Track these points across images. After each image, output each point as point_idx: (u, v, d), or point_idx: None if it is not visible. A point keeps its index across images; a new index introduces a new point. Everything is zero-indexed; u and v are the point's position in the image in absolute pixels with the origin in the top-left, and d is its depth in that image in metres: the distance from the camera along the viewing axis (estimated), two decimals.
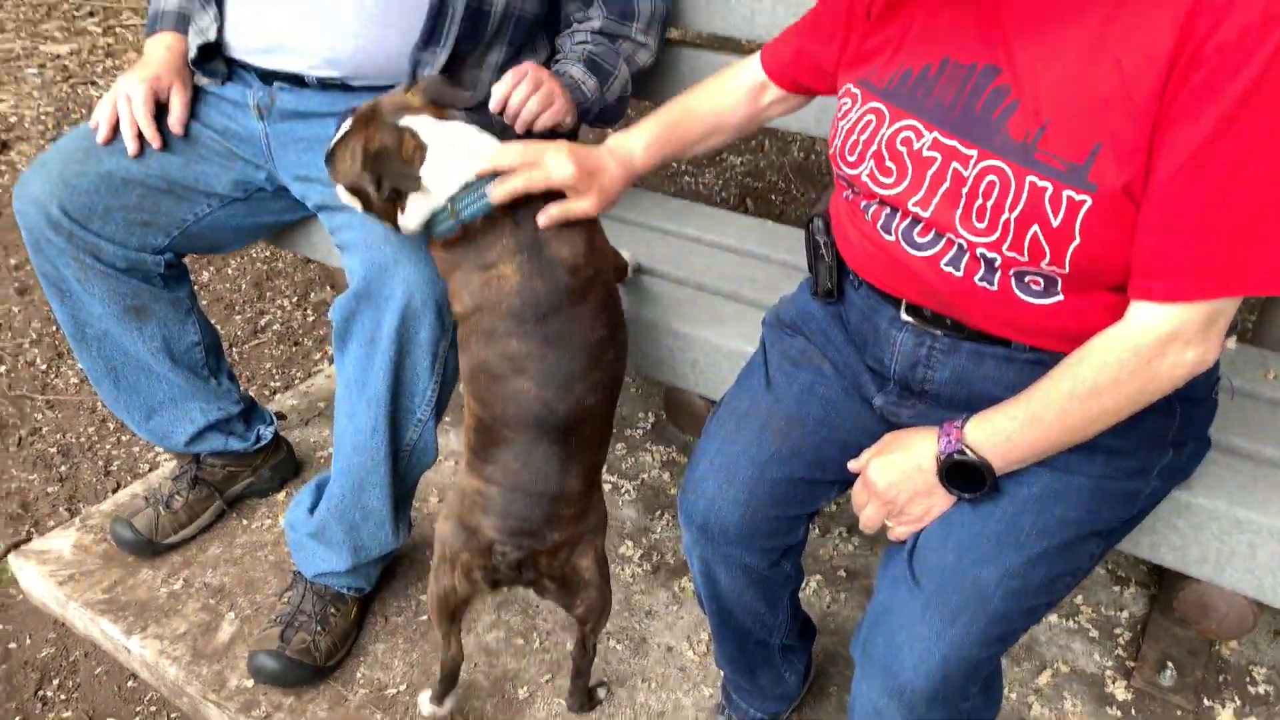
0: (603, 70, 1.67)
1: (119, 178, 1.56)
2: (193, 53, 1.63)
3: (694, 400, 1.57)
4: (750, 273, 1.65)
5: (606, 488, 2.05)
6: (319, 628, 1.62)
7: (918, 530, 1.09)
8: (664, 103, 1.39)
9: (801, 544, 1.30)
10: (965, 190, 0.98)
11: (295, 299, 2.90)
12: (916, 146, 1.03)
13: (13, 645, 1.82)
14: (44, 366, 2.56)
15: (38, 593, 1.87)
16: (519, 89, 1.54)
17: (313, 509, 1.64)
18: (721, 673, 1.60)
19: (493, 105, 1.55)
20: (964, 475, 1.03)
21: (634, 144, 1.33)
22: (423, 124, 1.27)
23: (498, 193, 1.22)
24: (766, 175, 3.83)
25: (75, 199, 1.52)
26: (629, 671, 1.67)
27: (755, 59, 1.35)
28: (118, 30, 4.60)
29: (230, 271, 3.00)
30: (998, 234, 0.96)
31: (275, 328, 2.77)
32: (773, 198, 3.68)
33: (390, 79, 1.62)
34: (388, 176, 1.24)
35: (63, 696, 1.73)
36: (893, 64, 1.09)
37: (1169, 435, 1.08)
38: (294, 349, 2.69)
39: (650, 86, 1.94)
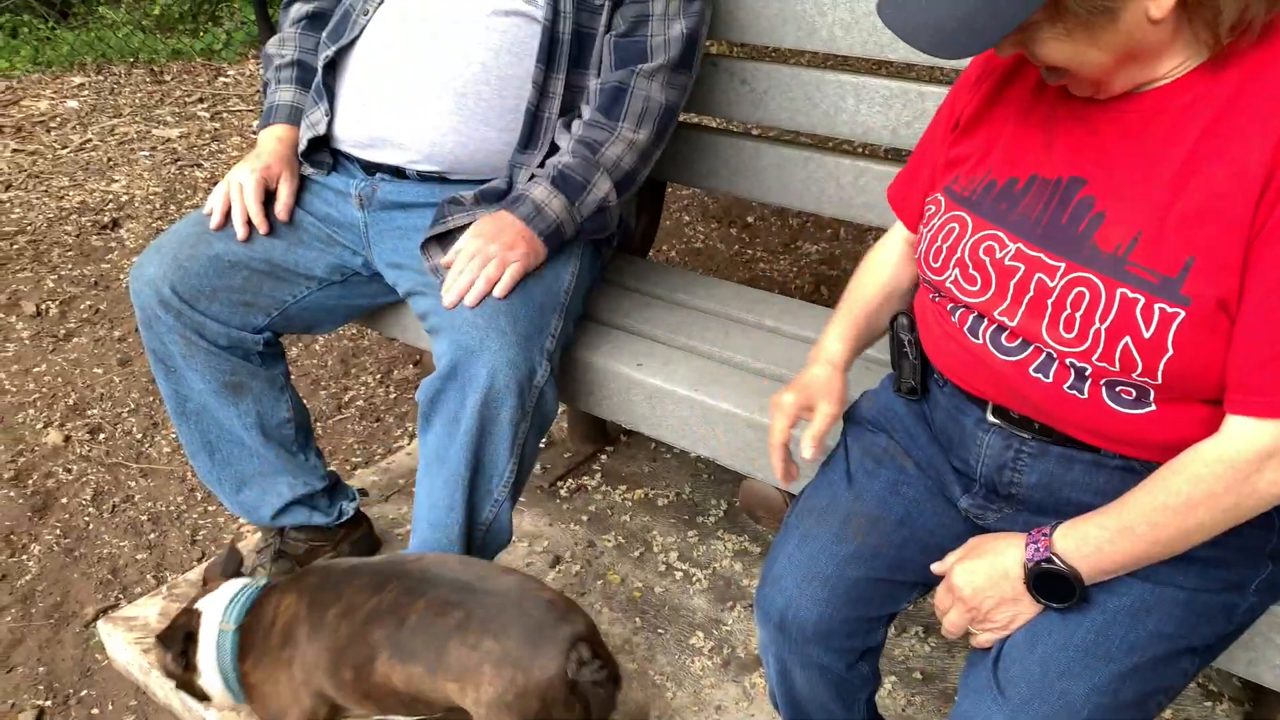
0: (573, 186, 1.63)
1: (226, 261, 1.64)
2: (303, 145, 1.73)
3: (771, 493, 1.57)
4: None
5: (678, 575, 2.04)
6: None
7: (1002, 637, 1.07)
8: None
9: (880, 646, 1.28)
10: (1051, 301, 0.98)
11: (379, 376, 2.98)
12: (999, 256, 1.05)
13: (95, 710, 1.87)
14: (139, 436, 2.67)
15: (122, 659, 1.92)
16: (460, 277, 1.54)
17: None
18: None
19: (445, 298, 1.56)
20: (1052, 584, 1.01)
21: (832, 345, 1.31)
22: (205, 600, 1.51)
23: (807, 449, 1.23)
24: (841, 263, 3.85)
25: (186, 280, 1.61)
26: None
27: (894, 229, 1.37)
28: (224, 116, 4.87)
29: (317, 348, 3.10)
30: (1087, 344, 0.96)
31: (359, 404, 2.85)
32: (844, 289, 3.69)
33: (488, 173, 1.69)
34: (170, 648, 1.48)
35: None
36: (977, 173, 1.11)
37: (1268, 549, 1.05)
38: (375, 425, 2.76)
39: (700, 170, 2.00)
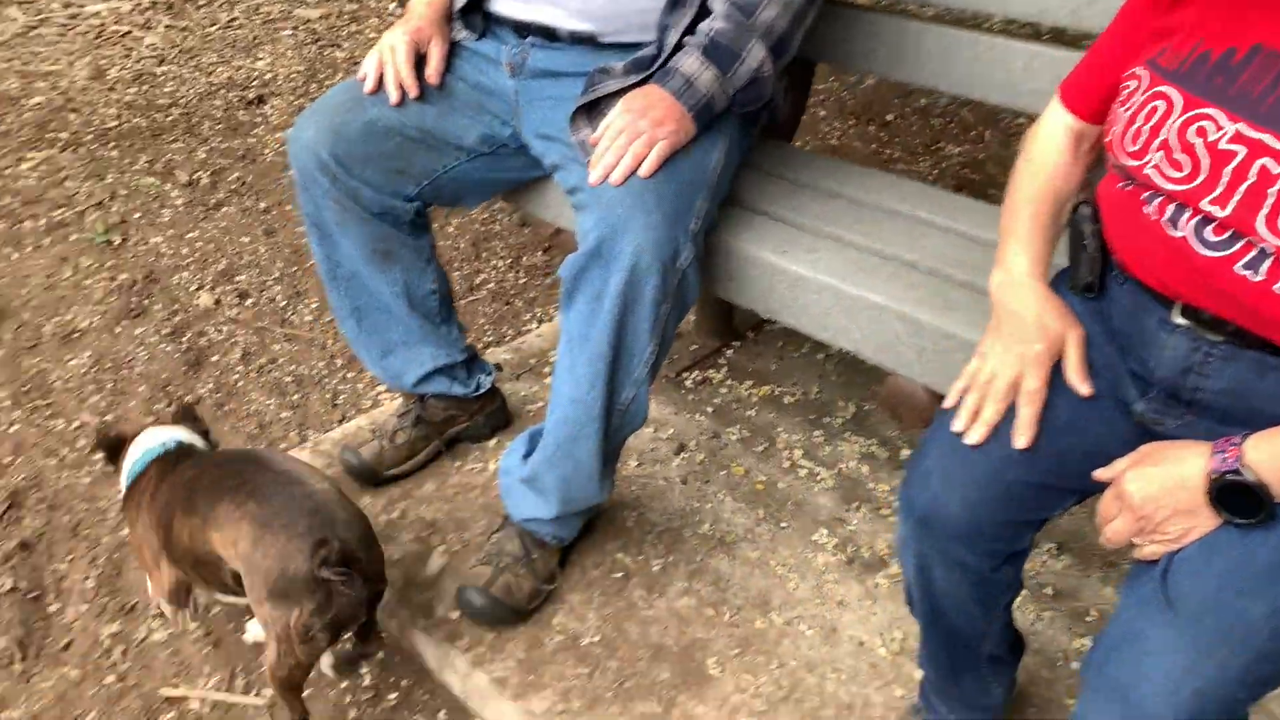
0: (725, 55, 1.55)
1: (381, 126, 1.65)
2: (459, 3, 1.71)
3: (917, 391, 1.52)
4: (986, 260, 1.56)
5: (802, 473, 2.03)
6: (523, 570, 1.69)
7: (1171, 551, 1.01)
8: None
9: (1026, 551, 1.24)
10: (1275, 190, 0.89)
11: (509, 261, 3.00)
12: (1214, 138, 0.95)
13: None
14: (284, 303, 2.77)
15: None
16: (607, 154, 1.50)
17: (526, 456, 1.69)
18: (918, 675, 1.55)
19: (591, 175, 1.53)
20: (1237, 497, 0.95)
21: (1020, 263, 1.19)
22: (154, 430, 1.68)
23: (1082, 387, 1.14)
24: (986, 167, 3.67)
25: (341, 145, 1.63)
26: (818, 659, 1.64)
27: (1051, 114, 1.24)
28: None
29: (450, 230, 3.14)
30: None
31: (489, 286, 2.89)
32: (991, 191, 3.52)
33: (638, 35, 1.64)
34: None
35: None
36: (1187, 45, 1.01)
37: None
38: (505, 307, 2.80)
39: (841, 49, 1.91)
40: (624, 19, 1.62)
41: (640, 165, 1.50)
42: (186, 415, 1.74)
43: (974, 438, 1.12)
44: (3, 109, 3.83)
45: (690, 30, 1.59)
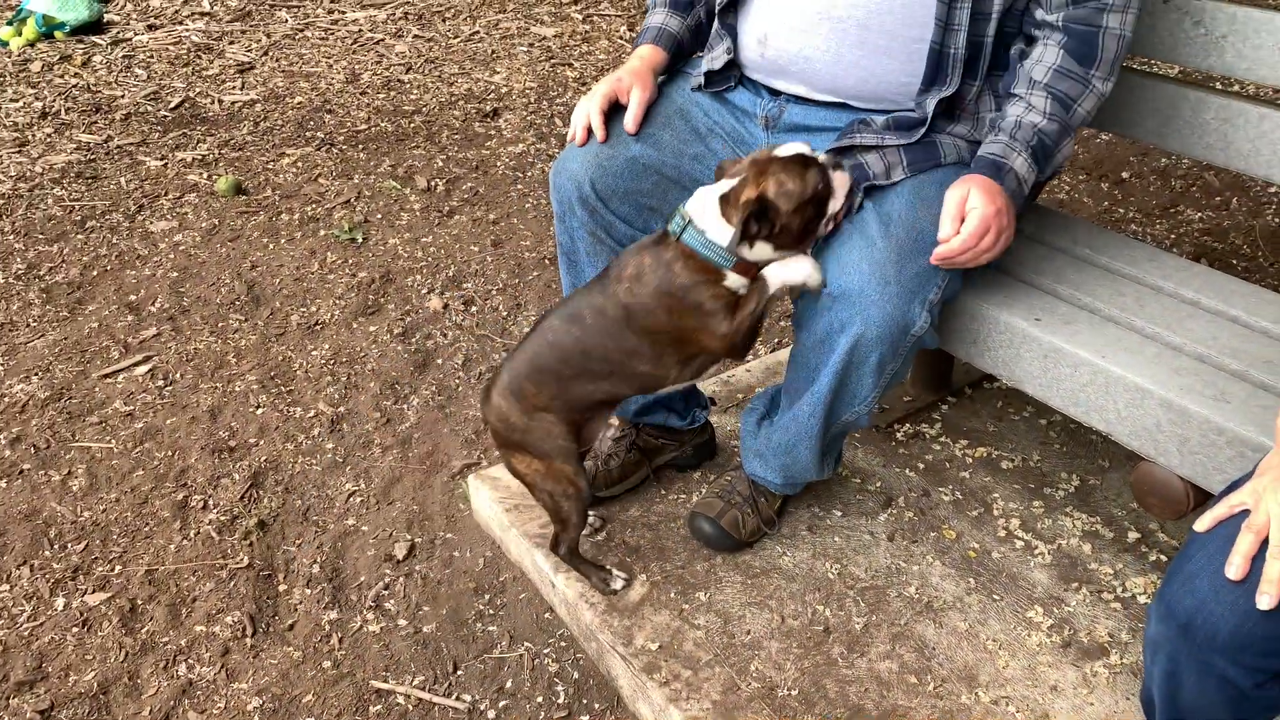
0: (1046, 154, 1.55)
1: (641, 164, 1.71)
2: (716, 64, 1.75)
3: (1171, 482, 1.43)
4: (1262, 351, 1.47)
5: (1018, 544, 1.95)
6: (749, 509, 1.89)
7: None
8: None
9: None
10: None
11: None
12: None
13: (455, 553, 2.08)
14: (505, 313, 2.89)
15: (484, 513, 2.12)
16: (971, 248, 1.49)
17: (761, 420, 1.82)
18: None
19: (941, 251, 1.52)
20: None
21: None
22: None
23: None
24: (1229, 237, 3.42)
25: (604, 179, 1.70)
26: None
27: None
28: (595, 19, 5.07)
29: None
30: None
31: None
32: (1234, 262, 3.28)
33: (891, 105, 1.63)
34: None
35: (490, 612, 1.95)
36: None
37: None
38: None
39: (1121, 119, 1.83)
40: (876, 94, 1.63)
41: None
42: None
43: (1265, 603, 1.05)
44: (269, 106, 4.19)
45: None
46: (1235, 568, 1.07)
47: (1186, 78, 2.38)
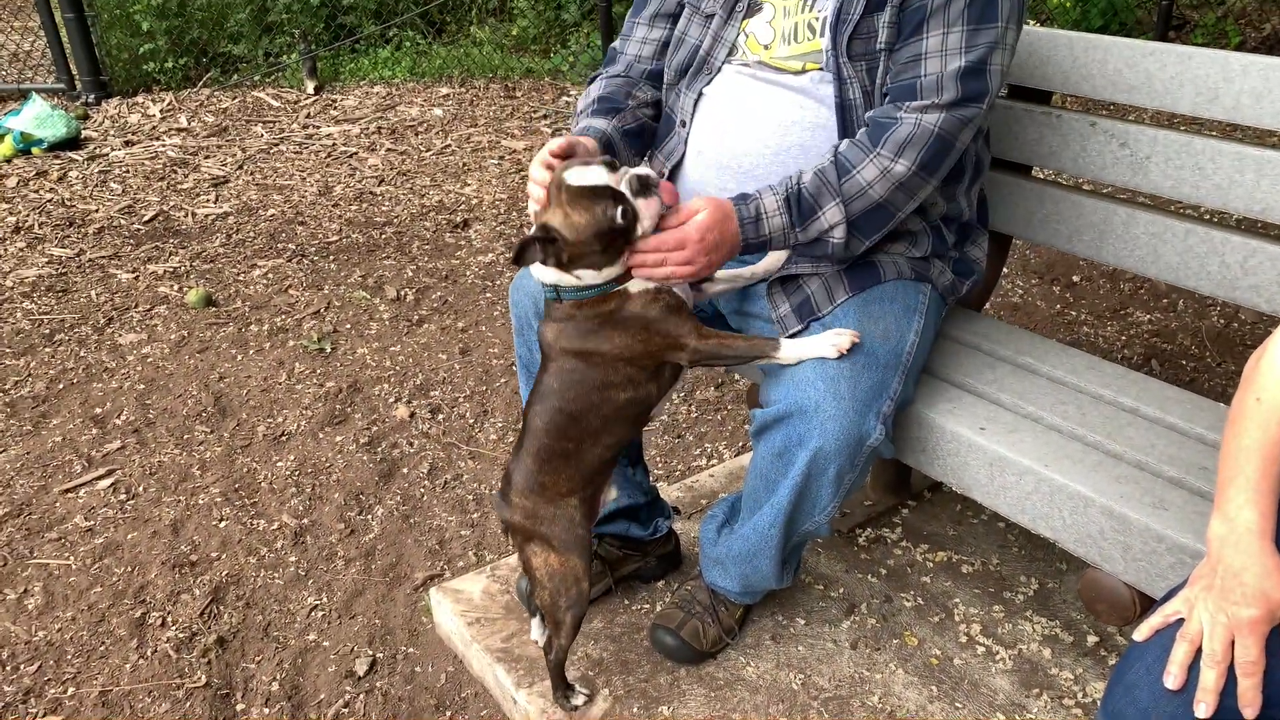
0: (804, 208, 1.55)
1: None
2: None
3: (1118, 589, 1.46)
4: (1198, 458, 1.53)
5: (979, 650, 1.96)
6: (710, 618, 1.89)
7: None
8: None
9: None
10: None
11: (682, 395, 3.08)
12: None
13: (417, 669, 2.06)
14: (471, 420, 2.92)
15: (446, 627, 2.11)
16: (665, 249, 1.50)
17: (721, 528, 1.84)
18: None
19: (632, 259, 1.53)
20: None
21: (1248, 515, 1.11)
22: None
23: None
24: (1178, 338, 3.53)
25: None
26: None
27: None
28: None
29: None
30: None
31: (662, 419, 2.96)
32: (1183, 363, 3.38)
33: None
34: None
35: None
36: None
37: None
38: (676, 441, 2.86)
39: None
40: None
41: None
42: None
43: (1203, 712, 1.06)
44: (242, 219, 4.27)
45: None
46: (1173, 678, 1.09)
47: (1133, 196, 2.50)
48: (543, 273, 1.53)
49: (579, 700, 1.80)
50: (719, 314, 1.83)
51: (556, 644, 1.74)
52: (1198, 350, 3.43)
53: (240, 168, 4.80)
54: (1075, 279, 3.91)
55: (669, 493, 2.48)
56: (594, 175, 1.44)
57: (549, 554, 1.67)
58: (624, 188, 1.44)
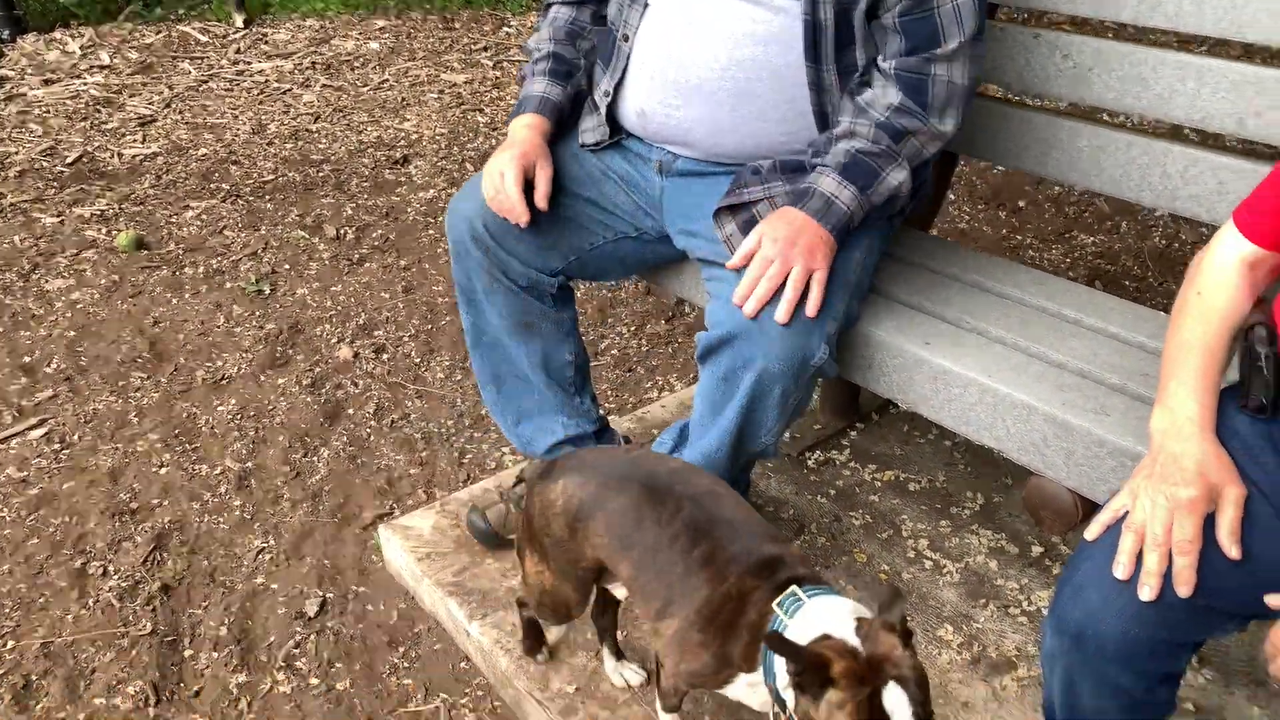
0: (865, 174, 1.55)
1: (535, 205, 1.72)
2: (582, 140, 1.78)
3: (1062, 495, 1.48)
4: (1139, 365, 1.54)
5: (927, 564, 1.98)
6: None
7: None
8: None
9: (1182, 672, 1.19)
10: None
11: (633, 328, 3.05)
12: None
13: (369, 607, 2.04)
14: (418, 359, 2.87)
15: (397, 564, 2.09)
16: (761, 284, 1.49)
17: (670, 454, 1.75)
18: None
19: (746, 307, 1.51)
20: None
21: (1188, 405, 1.14)
22: None
23: (1232, 549, 1.09)
24: (1120, 259, 3.57)
25: (497, 220, 1.71)
26: None
27: (1224, 243, 1.20)
28: (505, 65, 5.11)
29: (578, 296, 3.21)
30: None
31: (613, 353, 2.94)
32: (1126, 283, 3.42)
33: (772, 154, 1.68)
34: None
35: (405, 665, 1.91)
36: None
37: None
38: (628, 374, 2.84)
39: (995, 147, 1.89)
40: (759, 153, 1.67)
41: (806, 302, 1.51)
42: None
43: (1147, 594, 1.08)
44: (172, 159, 4.12)
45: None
46: (1122, 567, 1.10)
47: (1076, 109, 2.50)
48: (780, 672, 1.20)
49: (542, 657, 1.73)
50: (665, 235, 1.80)
51: (530, 603, 1.64)
52: (1140, 270, 3.47)
53: (168, 106, 4.62)
54: (1021, 204, 3.93)
55: (621, 424, 2.46)
56: (899, 713, 1.08)
57: (544, 569, 1.53)
58: None
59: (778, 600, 1.22)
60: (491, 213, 1.71)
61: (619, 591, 1.55)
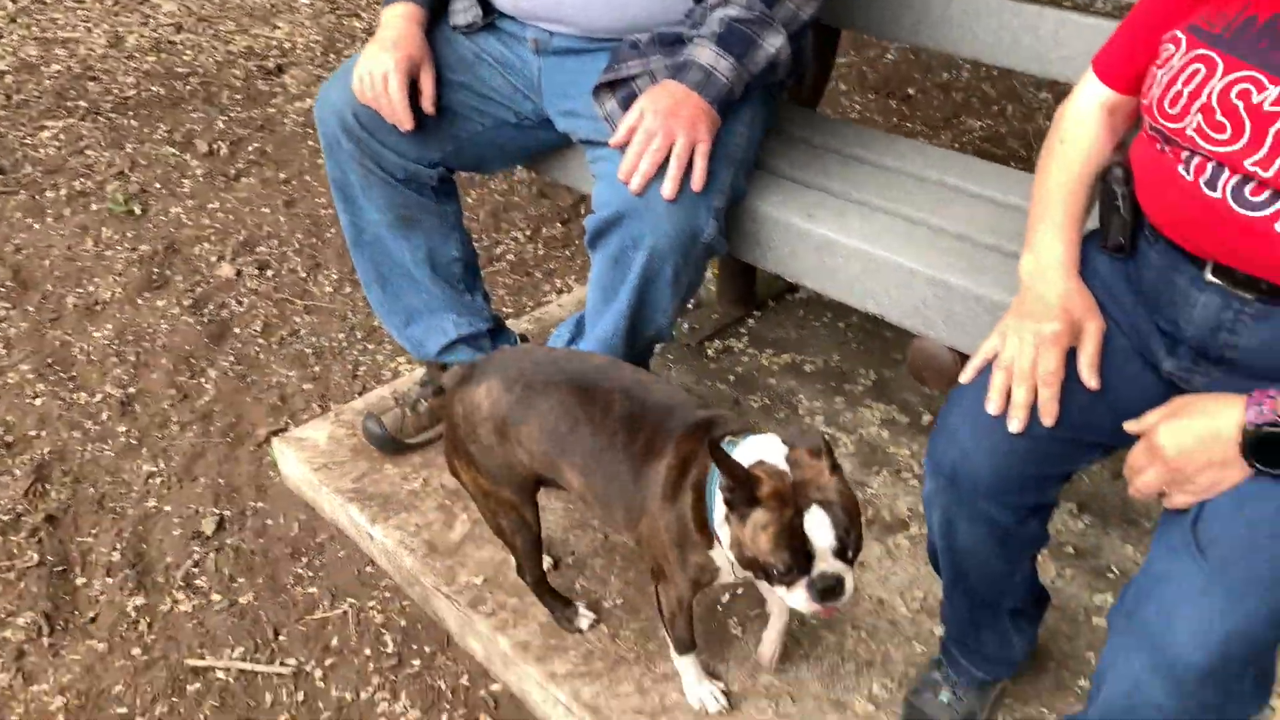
0: (741, 42, 1.53)
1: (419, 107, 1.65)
2: (454, 21, 1.71)
3: (942, 354, 1.52)
4: (1014, 225, 1.57)
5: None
6: None
7: (1199, 501, 1.02)
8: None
9: (1052, 505, 1.25)
10: None
11: (529, 232, 3.00)
12: (1257, 101, 0.96)
13: (269, 522, 2.00)
14: (304, 275, 2.78)
15: (294, 476, 2.05)
16: (644, 160, 1.47)
17: (567, 345, 1.76)
18: (938, 631, 1.56)
19: (632, 184, 1.49)
20: (1272, 450, 0.95)
21: (1053, 247, 1.17)
22: None
23: (1092, 380, 1.13)
24: (1007, 141, 3.65)
25: (367, 109, 1.63)
26: (838, 618, 1.65)
27: (1085, 91, 1.22)
28: None
29: (469, 201, 3.14)
30: None
31: (509, 258, 2.89)
32: (1011, 165, 3.49)
33: (650, 27, 1.64)
34: None
35: (309, 574, 1.89)
36: (1231, 8, 1.01)
37: None
38: (525, 279, 2.80)
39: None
40: (631, 30, 1.62)
41: (691, 176, 1.48)
42: None
43: (1015, 426, 1.12)
44: (22, 77, 3.83)
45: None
46: (993, 404, 1.14)
47: None
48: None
49: (584, 623, 1.62)
50: (546, 119, 1.75)
51: (520, 565, 1.58)
52: (1025, 152, 3.55)
53: (13, 21, 4.28)
54: (911, 91, 3.96)
55: (519, 325, 2.43)
56: (819, 534, 1.13)
57: (478, 476, 1.46)
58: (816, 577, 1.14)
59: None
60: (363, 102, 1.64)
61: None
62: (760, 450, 1.21)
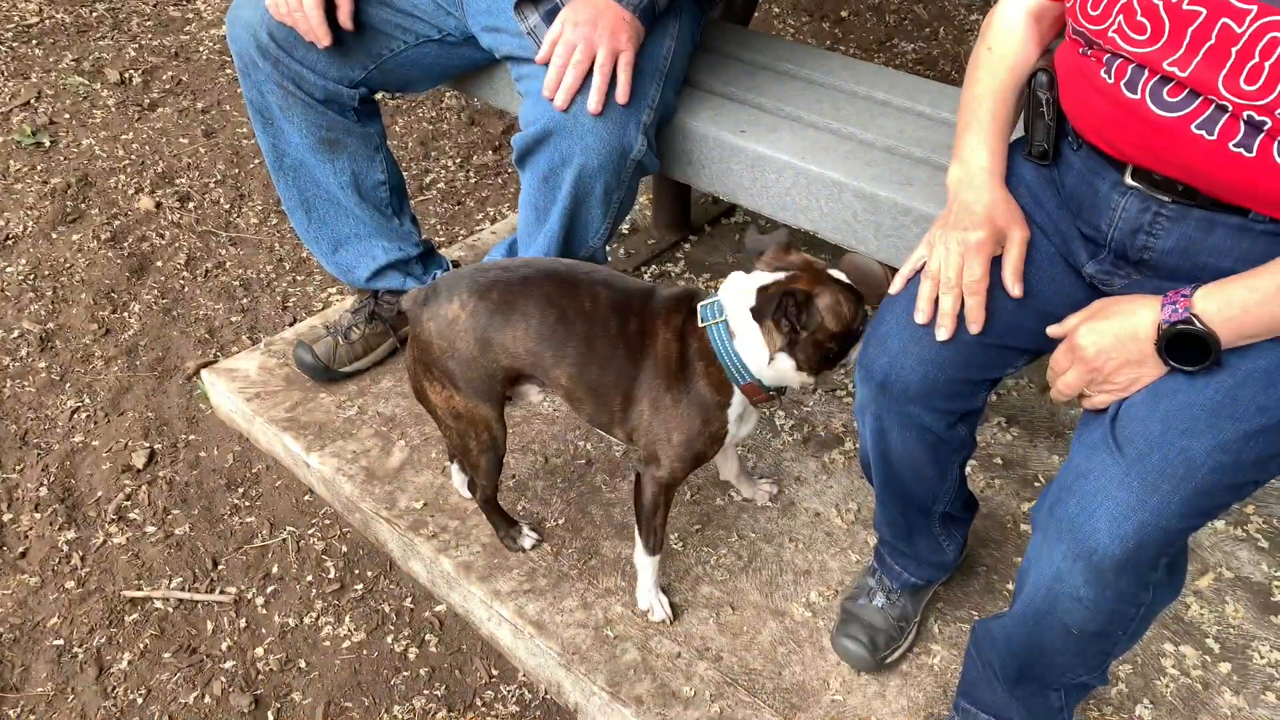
0: None
1: (337, 23, 1.59)
2: None
3: (873, 268, 1.53)
4: (944, 139, 1.58)
5: None
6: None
7: (1119, 399, 1.05)
8: None
9: (980, 411, 1.28)
10: (1236, 49, 0.91)
11: (459, 160, 2.95)
12: (1175, 0, 0.96)
13: (202, 454, 1.97)
14: (228, 206, 2.69)
15: (226, 408, 2.01)
16: (568, 73, 1.45)
17: None
18: (873, 540, 1.61)
19: (557, 100, 1.48)
20: (1186, 347, 0.98)
21: (980, 156, 1.18)
22: None
23: (1015, 287, 1.15)
24: (939, 64, 3.66)
25: (282, 26, 1.57)
26: (776, 531, 1.69)
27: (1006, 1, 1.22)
28: None
29: (398, 129, 3.06)
30: (1274, 95, 0.89)
31: (440, 186, 2.83)
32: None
33: None
34: None
35: (246, 504, 1.87)
36: None
37: None
38: (457, 207, 2.75)
39: None
40: None
41: (617, 87, 1.46)
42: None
43: (943, 334, 1.14)
44: None
45: None
46: (922, 313, 1.16)
47: None
48: (750, 337, 1.31)
49: (527, 543, 1.64)
50: (470, 36, 1.70)
51: (479, 485, 1.57)
52: (957, 75, 3.56)
53: None
54: (844, 14, 3.93)
55: (451, 253, 2.40)
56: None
57: (451, 394, 1.43)
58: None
59: (699, 313, 1.35)
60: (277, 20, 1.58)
61: (534, 396, 1.51)
62: (748, 284, 1.32)
